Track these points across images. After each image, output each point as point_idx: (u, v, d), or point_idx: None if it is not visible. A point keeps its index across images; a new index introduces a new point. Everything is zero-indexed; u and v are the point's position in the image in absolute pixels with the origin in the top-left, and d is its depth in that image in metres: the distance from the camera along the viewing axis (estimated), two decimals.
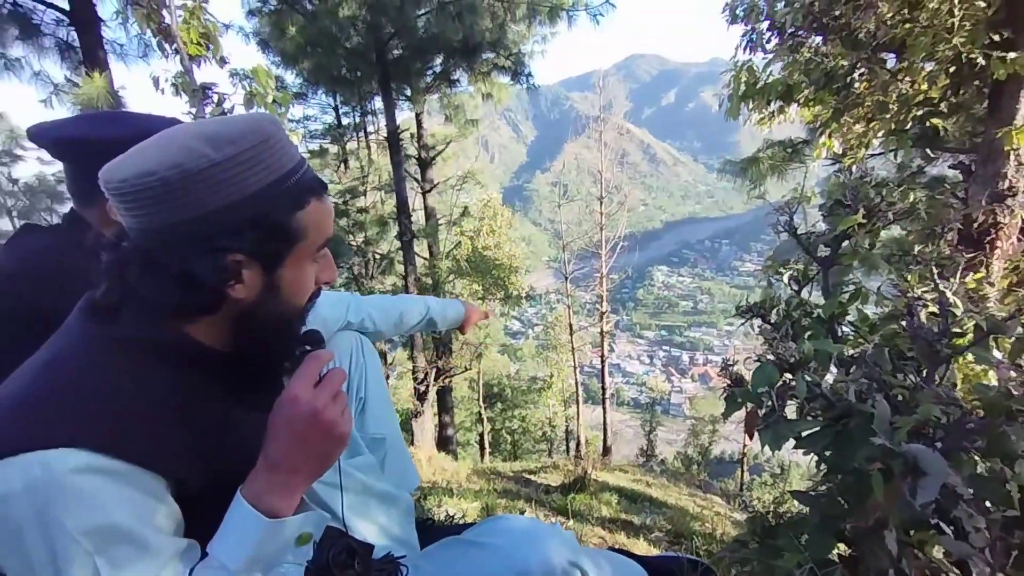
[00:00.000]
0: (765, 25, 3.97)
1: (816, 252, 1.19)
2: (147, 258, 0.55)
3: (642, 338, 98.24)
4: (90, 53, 3.99)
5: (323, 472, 0.60)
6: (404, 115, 8.60)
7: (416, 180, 8.63)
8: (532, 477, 5.22)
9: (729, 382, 1.04)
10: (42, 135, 0.91)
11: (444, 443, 8.68)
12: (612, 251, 13.28)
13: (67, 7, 4.10)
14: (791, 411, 0.91)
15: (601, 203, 13.08)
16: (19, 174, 9.17)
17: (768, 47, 4.04)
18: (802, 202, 1.29)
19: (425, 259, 8.65)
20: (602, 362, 13.14)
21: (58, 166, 9.03)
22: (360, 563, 0.54)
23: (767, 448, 0.85)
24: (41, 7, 4.33)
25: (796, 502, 1.01)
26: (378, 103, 8.04)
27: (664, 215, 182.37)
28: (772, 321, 1.18)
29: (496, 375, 17.63)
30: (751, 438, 0.95)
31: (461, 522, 1.28)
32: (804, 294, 1.21)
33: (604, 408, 12.97)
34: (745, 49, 4.22)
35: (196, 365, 0.59)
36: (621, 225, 13.83)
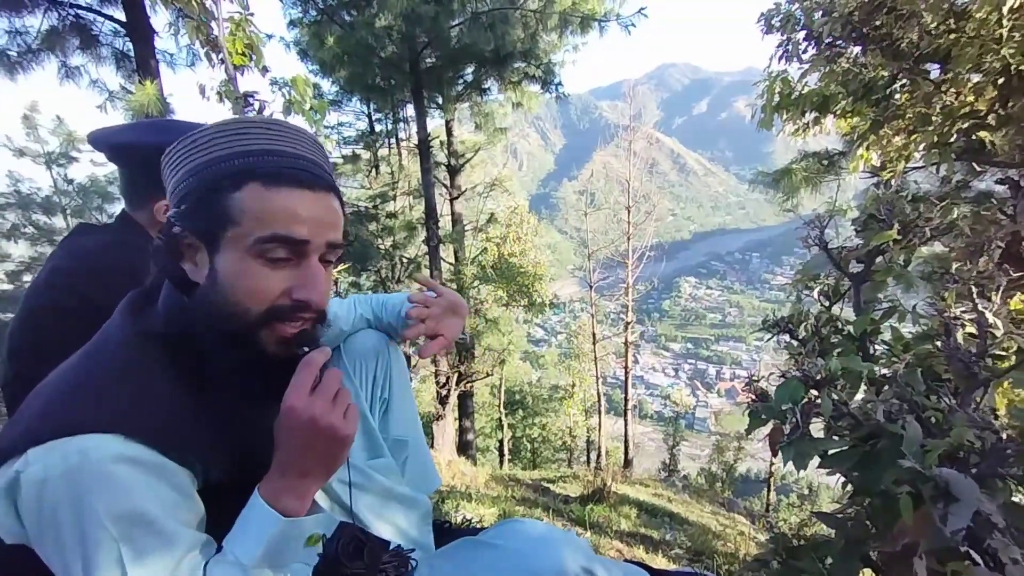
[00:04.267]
0: (802, 35, 3.89)
1: (848, 267, 1.16)
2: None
3: (667, 350, 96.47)
4: (143, 62, 4.23)
5: (333, 473, 0.61)
6: (435, 122, 8.76)
7: (444, 186, 8.75)
8: (551, 486, 5.18)
9: (753, 397, 1.02)
10: (100, 140, 0.98)
11: (464, 448, 8.71)
12: (639, 261, 13.13)
13: (124, 19, 4.35)
14: (818, 430, 0.89)
15: (628, 212, 12.97)
16: (73, 175, 9.72)
17: (804, 57, 3.96)
18: (835, 216, 1.26)
19: (451, 264, 8.74)
20: (625, 373, 12.96)
21: (109, 168, 9.51)
22: (369, 555, 0.55)
23: (794, 467, 0.84)
24: (101, 19, 4.61)
25: (822, 525, 0.99)
26: (410, 111, 8.22)
27: (693, 226, 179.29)
28: (800, 337, 1.15)
29: (518, 382, 17.60)
30: (774, 455, 0.93)
31: (478, 526, 1.29)
32: (835, 310, 1.19)
33: (626, 420, 12.77)
34: (780, 59, 4.14)
35: (213, 355, 0.60)
36: (648, 235, 13.68)
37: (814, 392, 0.81)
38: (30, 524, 0.50)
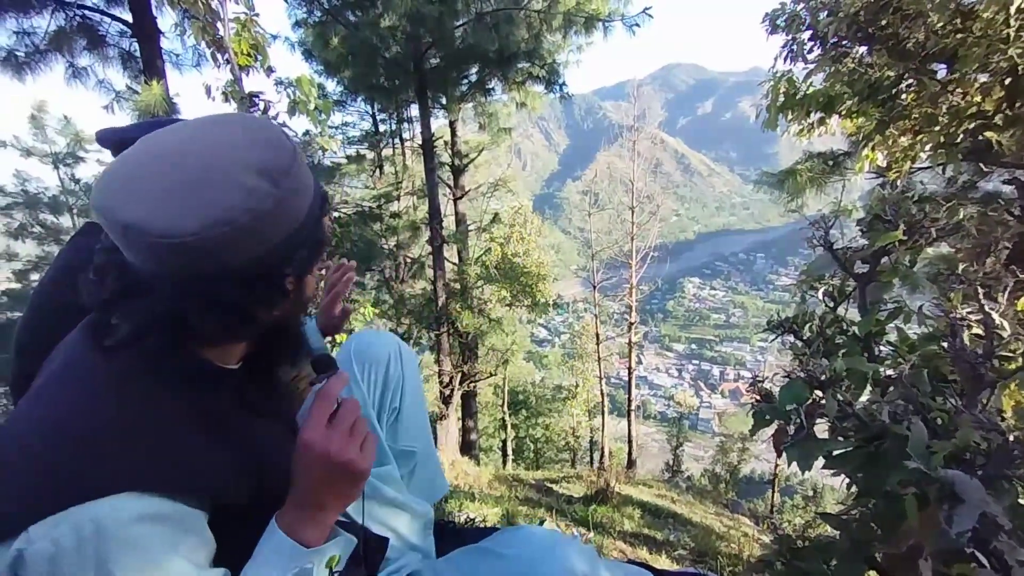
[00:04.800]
0: (807, 35, 3.88)
1: (853, 268, 1.16)
2: (193, 302, 0.51)
3: (671, 351, 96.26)
4: (149, 63, 4.25)
5: (348, 504, 0.61)
6: (439, 123, 8.77)
7: (448, 186, 8.77)
8: (554, 486, 5.18)
9: (758, 398, 1.02)
10: (108, 138, 0.98)
11: (467, 448, 8.71)
12: (642, 261, 13.11)
13: (131, 20, 4.38)
14: (823, 431, 0.89)
15: (632, 213, 12.95)
16: (81, 174, 9.79)
17: (810, 57, 3.94)
18: (840, 216, 1.26)
19: (455, 264, 8.75)
20: (629, 373, 12.94)
21: None
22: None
23: (798, 468, 0.84)
24: (107, 20, 4.64)
25: (827, 526, 0.98)
26: (414, 111, 8.23)
27: (697, 226, 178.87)
28: (804, 337, 1.15)
29: (521, 382, 17.60)
30: (779, 455, 0.93)
31: (482, 524, 1.29)
32: (840, 311, 1.18)
33: (629, 420, 12.75)
34: (785, 59, 4.13)
35: (212, 386, 0.59)
36: (652, 235, 13.65)
37: (819, 393, 0.81)
38: None
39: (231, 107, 2.37)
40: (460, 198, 8.81)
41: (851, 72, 3.30)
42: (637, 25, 6.15)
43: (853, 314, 1.16)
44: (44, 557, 0.43)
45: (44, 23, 4.49)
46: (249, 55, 2.35)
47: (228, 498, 0.56)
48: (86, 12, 4.60)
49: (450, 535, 1.05)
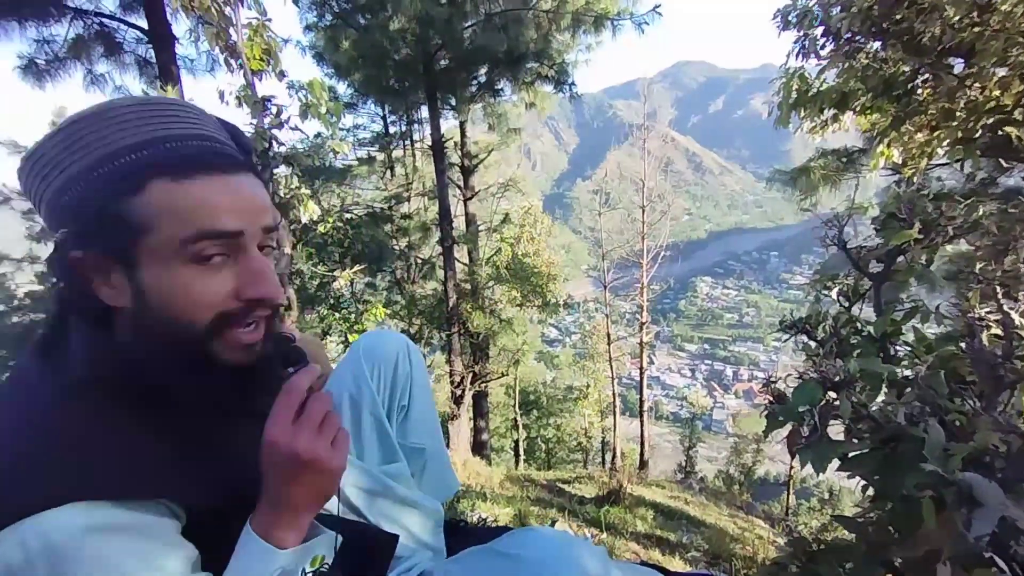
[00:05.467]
0: (819, 31, 3.83)
1: (868, 267, 1.14)
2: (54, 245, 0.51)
3: (683, 351, 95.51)
4: (164, 68, 4.34)
5: (325, 502, 0.57)
6: (448, 123, 8.81)
7: (459, 187, 8.80)
8: (566, 487, 5.18)
9: (771, 399, 1.01)
10: None
11: (479, 448, 8.73)
12: (653, 261, 13.03)
13: (146, 27, 4.47)
14: (838, 433, 0.87)
15: (643, 212, 12.87)
16: None
17: (822, 53, 3.89)
18: (854, 214, 1.24)
19: (465, 265, 8.78)
20: (640, 373, 12.87)
21: None
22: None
23: (812, 470, 0.83)
24: (124, 27, 4.74)
25: (843, 529, 0.97)
26: (424, 112, 8.28)
27: (709, 225, 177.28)
28: (818, 338, 1.14)
29: (532, 382, 17.59)
30: (793, 457, 0.92)
31: (493, 524, 1.29)
32: (855, 311, 1.17)
33: (641, 421, 12.68)
34: (797, 56, 4.08)
35: (174, 388, 0.54)
36: (663, 234, 13.56)
37: (833, 394, 0.80)
38: None
39: (244, 111, 2.41)
40: (470, 199, 8.84)
41: (865, 68, 3.25)
42: (646, 23, 6.13)
43: (868, 314, 1.14)
44: None
45: (63, 31, 4.61)
46: (261, 60, 2.38)
47: (195, 502, 0.53)
48: (103, 20, 4.71)
49: (461, 534, 1.05)
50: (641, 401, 12.77)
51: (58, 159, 0.49)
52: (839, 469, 0.78)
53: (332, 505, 0.83)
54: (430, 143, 7.91)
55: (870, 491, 0.88)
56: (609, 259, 13.46)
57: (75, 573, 0.42)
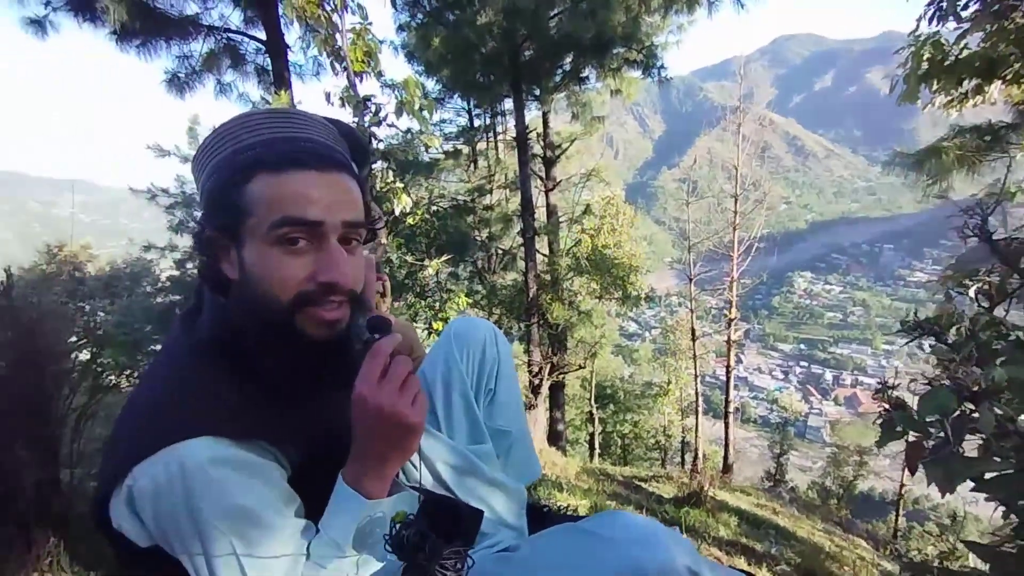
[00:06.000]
0: None
1: (1019, 263, 0.99)
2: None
3: (776, 350, 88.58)
4: (278, 75, 4.80)
5: (408, 457, 0.63)
6: (531, 115, 8.83)
7: (540, 178, 8.82)
8: (643, 484, 5.06)
9: (887, 407, 0.92)
10: None
11: (555, 438, 8.79)
12: (745, 253, 12.17)
13: (264, 38, 4.96)
14: (970, 449, 0.78)
15: (735, 201, 12.05)
16: None
17: (964, 15, 3.38)
18: (1002, 200, 1.08)
19: (545, 256, 8.80)
20: (727, 373, 12.15)
21: None
22: (430, 548, 0.55)
23: (933, 491, 0.74)
24: (247, 40, 5.31)
25: (970, 559, 0.86)
26: (508, 105, 8.36)
27: (810, 214, 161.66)
28: (950, 341, 1.01)
29: (609, 376, 17.30)
30: (912, 473, 0.83)
31: (574, 513, 1.30)
32: (997, 312, 1.02)
33: (727, 422, 12.00)
34: (931, 20, 3.58)
35: (280, 354, 0.62)
36: (758, 225, 12.60)
37: (970, 405, 0.71)
38: (154, 530, 0.55)
39: (347, 111, 2.59)
40: (551, 189, 8.83)
41: (1020, 29, 2.78)
42: None
43: (1015, 317, 1.00)
44: (147, 492, 0.53)
45: (199, 47, 5.25)
46: (363, 61, 2.55)
47: (285, 451, 0.62)
48: (231, 35, 5.29)
49: (543, 518, 1.07)
50: (727, 402, 12.08)
51: (207, 153, 0.62)
52: (974, 490, 0.69)
53: (426, 479, 0.88)
54: (514, 135, 7.98)
55: (1011, 517, 0.78)
56: (696, 251, 12.78)
57: (199, 493, 0.53)
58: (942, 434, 0.69)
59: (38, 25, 4.72)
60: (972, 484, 0.76)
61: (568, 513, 1.30)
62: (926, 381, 0.75)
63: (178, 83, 5.32)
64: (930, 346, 1.04)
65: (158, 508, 0.53)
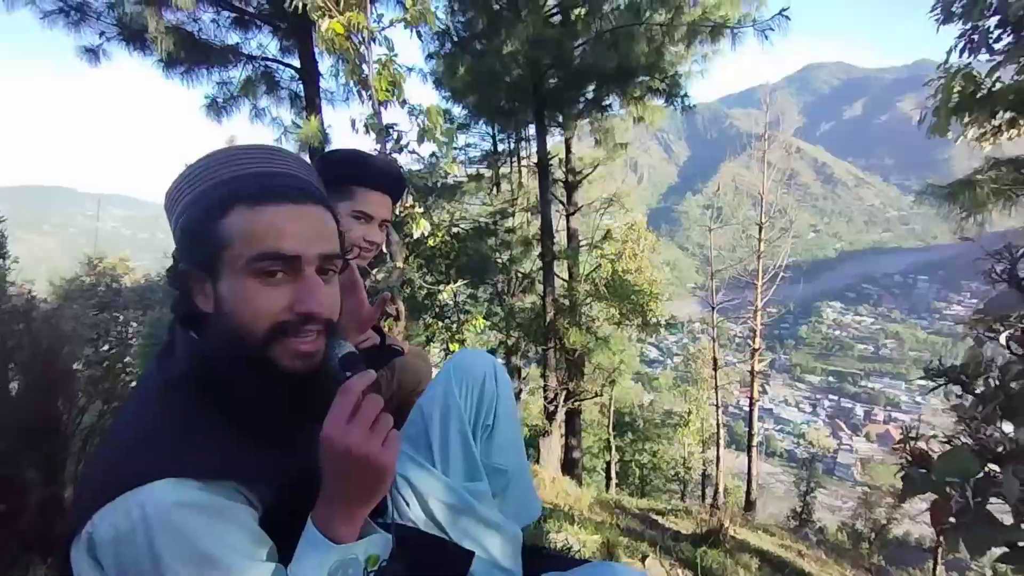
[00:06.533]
0: (993, 21, 3.28)
1: None
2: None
3: (803, 382, 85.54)
4: (310, 101, 5.00)
5: (378, 498, 0.60)
6: (554, 140, 8.94)
7: (561, 202, 8.86)
8: (660, 519, 4.89)
9: (909, 458, 0.87)
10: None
11: (570, 466, 8.60)
12: (770, 281, 11.92)
13: (298, 66, 5.18)
14: (1004, 511, 0.73)
15: (760, 228, 11.88)
16: None
17: (996, 47, 3.32)
18: None
19: (564, 280, 8.78)
20: (751, 404, 11.79)
21: None
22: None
23: (968, 555, 0.69)
24: (282, 67, 5.56)
25: None
26: (531, 130, 8.49)
27: (840, 243, 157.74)
28: (977, 391, 0.96)
29: (628, 404, 16.97)
30: (938, 534, 0.78)
31: (576, 556, 1.26)
32: None
33: (750, 456, 11.57)
34: (963, 51, 3.52)
35: (256, 390, 0.62)
36: (783, 253, 12.37)
37: (995, 467, 0.67)
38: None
39: (371, 138, 2.67)
40: (573, 214, 8.85)
41: None
42: (771, 30, 5.68)
43: None
44: (108, 540, 0.51)
45: (237, 74, 5.53)
46: (387, 91, 2.63)
47: (258, 491, 0.60)
48: (267, 62, 5.55)
49: (541, 560, 1.03)
50: (750, 434, 11.68)
51: (182, 189, 0.62)
52: (1002, 561, 0.64)
53: (418, 516, 0.86)
54: (536, 160, 8.07)
55: None
56: (719, 278, 12.59)
57: (161, 540, 0.51)
58: (965, 498, 0.64)
59: (92, 53, 5.05)
60: (1004, 553, 0.71)
61: (567, 556, 1.25)
62: (946, 438, 0.71)
63: (216, 107, 5.59)
64: (956, 395, 0.99)
65: (119, 557, 0.52)
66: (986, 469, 0.67)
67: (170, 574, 0.51)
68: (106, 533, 0.52)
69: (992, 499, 0.68)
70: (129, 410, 0.64)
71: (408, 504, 0.86)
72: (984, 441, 0.66)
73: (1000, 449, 0.65)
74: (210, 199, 0.59)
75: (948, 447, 0.70)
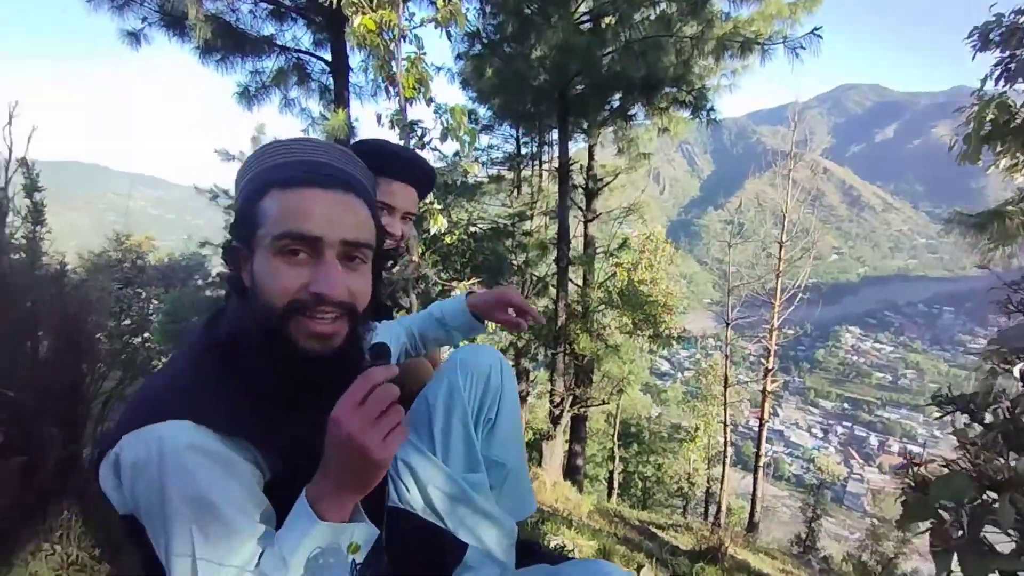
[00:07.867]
0: None
1: None
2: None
3: (816, 407, 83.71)
4: (339, 94, 5.10)
5: (366, 491, 0.61)
6: (578, 146, 8.93)
7: (580, 209, 8.86)
8: (659, 532, 4.84)
9: (911, 484, 0.87)
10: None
11: (572, 472, 8.56)
12: (788, 302, 11.74)
13: (330, 59, 5.29)
14: (1002, 542, 0.72)
15: (781, 248, 11.71)
16: None
17: None
18: None
19: (578, 286, 8.76)
20: (760, 425, 11.61)
21: None
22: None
23: None
24: (314, 60, 5.67)
25: None
26: (554, 135, 8.51)
27: (863, 268, 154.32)
28: (986, 421, 0.95)
29: (635, 414, 16.82)
30: (935, 559, 0.78)
31: (569, 555, 1.27)
32: None
33: (756, 477, 11.40)
34: (998, 80, 3.45)
35: (255, 352, 0.65)
36: (804, 274, 12.17)
37: (992, 494, 0.66)
38: (131, 498, 0.58)
39: (395, 133, 2.71)
40: (591, 220, 8.84)
41: None
42: (802, 48, 5.62)
43: None
44: (128, 464, 0.57)
45: (270, 64, 5.66)
46: (414, 88, 2.67)
47: (266, 456, 0.64)
48: (300, 55, 5.67)
49: (533, 556, 1.04)
50: (758, 455, 11.50)
51: (241, 173, 0.70)
52: None
53: (417, 503, 0.88)
54: (557, 165, 8.09)
55: None
56: (736, 295, 12.43)
57: (171, 476, 0.56)
58: (958, 523, 0.64)
59: (134, 37, 5.22)
60: None
61: (563, 554, 1.26)
62: (944, 463, 0.71)
63: (248, 96, 5.72)
64: (964, 424, 0.98)
65: (135, 483, 0.57)
66: (984, 496, 0.67)
67: (172, 511, 0.55)
68: (128, 459, 0.57)
69: (988, 527, 0.68)
70: (169, 366, 0.71)
71: (408, 490, 0.88)
72: (983, 468, 0.66)
73: (999, 477, 0.65)
74: (255, 184, 0.65)
75: (947, 471, 0.70)
